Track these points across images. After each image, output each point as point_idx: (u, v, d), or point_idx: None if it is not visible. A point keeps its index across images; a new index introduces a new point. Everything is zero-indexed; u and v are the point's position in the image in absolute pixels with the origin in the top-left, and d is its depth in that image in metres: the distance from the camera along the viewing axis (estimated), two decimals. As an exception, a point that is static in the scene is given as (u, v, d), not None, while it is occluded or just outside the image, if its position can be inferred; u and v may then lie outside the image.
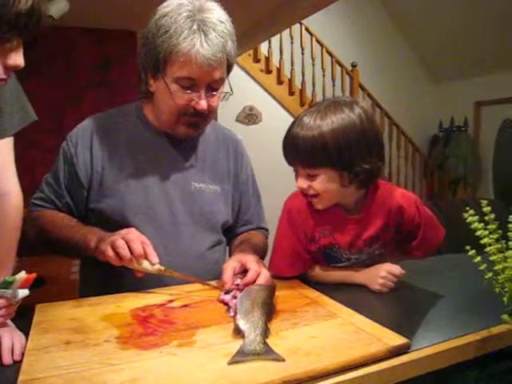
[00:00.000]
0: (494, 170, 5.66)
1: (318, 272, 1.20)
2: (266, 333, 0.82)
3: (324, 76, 5.01)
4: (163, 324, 0.89)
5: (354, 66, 5.14)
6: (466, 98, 5.76)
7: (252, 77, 4.89)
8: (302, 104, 5.10)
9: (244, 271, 1.10)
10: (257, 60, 4.86)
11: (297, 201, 1.17)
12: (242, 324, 0.84)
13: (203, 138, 1.33)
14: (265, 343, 0.79)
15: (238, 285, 1.06)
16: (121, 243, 1.02)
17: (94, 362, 0.73)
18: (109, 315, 0.94)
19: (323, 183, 1.06)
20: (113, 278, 1.19)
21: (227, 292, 1.04)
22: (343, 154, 1.02)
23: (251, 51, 4.72)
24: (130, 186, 1.21)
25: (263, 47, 4.82)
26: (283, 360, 0.74)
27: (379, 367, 0.77)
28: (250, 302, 0.92)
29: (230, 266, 1.09)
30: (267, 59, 4.89)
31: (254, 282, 1.05)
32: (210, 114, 1.22)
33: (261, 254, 1.29)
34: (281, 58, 4.89)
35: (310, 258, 1.20)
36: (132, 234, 1.05)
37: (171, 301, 1.03)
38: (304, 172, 1.07)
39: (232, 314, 0.94)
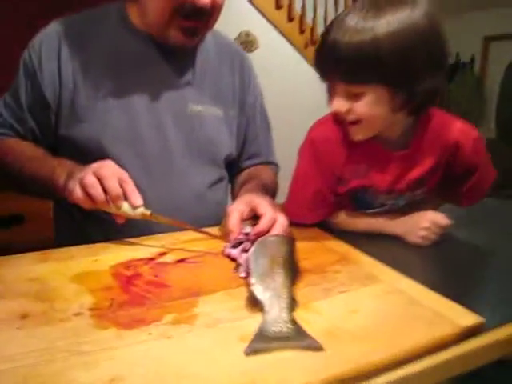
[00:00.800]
0: (497, 110, 5.41)
1: (343, 219, 0.99)
2: (292, 305, 0.61)
3: (326, 1, 4.55)
4: (153, 288, 0.68)
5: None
6: (475, 32, 5.36)
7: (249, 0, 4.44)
8: (301, 31, 4.64)
9: (254, 217, 0.88)
10: (253, -20, 4.40)
11: (324, 129, 0.93)
12: (260, 292, 0.63)
13: (203, 48, 1.06)
14: (293, 322, 0.58)
15: (247, 234, 0.84)
16: (91, 180, 0.78)
17: (58, 350, 0.52)
18: (82, 274, 0.72)
19: (369, 105, 0.81)
20: (90, 224, 0.96)
21: (234, 244, 0.82)
22: (401, 66, 0.76)
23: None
24: (109, 107, 0.95)
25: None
26: (321, 348, 0.53)
27: (447, 355, 0.57)
28: (268, 259, 0.70)
29: (237, 210, 0.86)
30: (265, -21, 4.42)
31: (269, 231, 0.83)
32: (212, 14, 0.94)
33: (271, 194, 1.06)
34: (280, -22, 4.42)
35: (335, 202, 0.97)
36: (107, 167, 0.81)
37: (162, 254, 0.81)
38: (344, 90, 0.82)
39: (243, 274, 0.72)
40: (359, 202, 0.97)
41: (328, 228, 0.98)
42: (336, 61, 0.79)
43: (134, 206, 0.81)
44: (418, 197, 0.96)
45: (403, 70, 0.77)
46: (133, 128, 0.96)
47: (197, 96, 1.03)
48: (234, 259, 0.79)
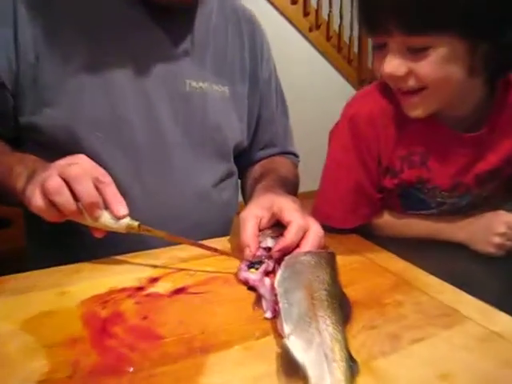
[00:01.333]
0: None
1: (388, 221, 0.77)
2: (352, 373, 0.39)
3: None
4: (139, 340, 0.46)
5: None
6: None
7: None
8: (305, 14, 4.35)
9: (277, 224, 0.66)
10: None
11: (367, 104, 0.71)
12: (299, 350, 0.41)
13: (204, 11, 0.83)
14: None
15: (269, 249, 0.62)
16: (56, 184, 0.56)
17: None
18: (40, 317, 0.51)
19: (438, 65, 0.59)
20: (65, 236, 0.74)
21: (251, 264, 0.61)
22: (485, 6, 0.54)
23: None
24: (82, 86, 0.73)
25: None
26: None
27: None
28: (305, 292, 0.49)
29: (253, 216, 0.65)
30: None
31: (298, 246, 0.61)
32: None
33: (293, 193, 0.85)
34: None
35: (380, 200, 0.76)
36: (77, 165, 0.58)
37: (155, 280, 0.60)
38: (402, 45, 0.59)
39: (268, 314, 0.51)
40: (410, 200, 0.75)
41: (361, 232, 0.76)
42: (392, 3, 0.56)
43: (116, 216, 0.60)
44: (486, 193, 0.74)
45: (488, 12, 0.54)
46: (114, 112, 0.74)
47: (197, 70, 0.80)
48: (252, 287, 0.57)
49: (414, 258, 0.66)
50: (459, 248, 0.72)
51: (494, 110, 0.67)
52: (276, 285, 0.51)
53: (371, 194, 0.74)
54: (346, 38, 3.87)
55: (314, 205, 0.77)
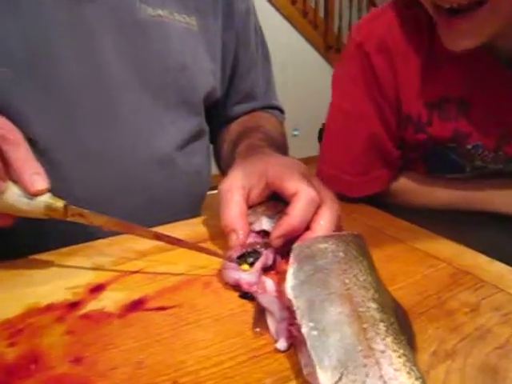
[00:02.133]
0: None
1: (408, 185, 0.59)
2: None
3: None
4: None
5: None
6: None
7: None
8: (293, 2, 3.99)
9: (271, 199, 0.47)
10: None
11: (378, 28, 0.52)
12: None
13: None
14: None
15: (263, 234, 0.43)
16: None
17: None
18: None
19: None
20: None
21: (242, 257, 0.41)
22: None
23: None
24: None
25: None
26: None
27: None
28: (345, 308, 0.29)
29: (238, 187, 0.45)
30: None
31: (308, 228, 0.42)
32: None
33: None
34: None
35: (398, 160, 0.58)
36: None
37: (98, 288, 0.40)
38: None
39: (282, 344, 0.32)
40: (437, 162, 0.58)
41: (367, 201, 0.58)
42: None
43: (29, 191, 0.39)
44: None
45: None
46: (31, 41, 0.52)
47: None
48: (247, 294, 0.38)
49: (450, 235, 0.49)
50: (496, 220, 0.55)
51: None
52: (290, 294, 0.32)
53: (389, 151, 0.56)
54: (311, 1, 3.65)
55: (317, 168, 0.58)
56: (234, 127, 0.71)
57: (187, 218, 0.57)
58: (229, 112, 0.73)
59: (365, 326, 0.28)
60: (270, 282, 0.38)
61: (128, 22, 0.56)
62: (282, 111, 0.79)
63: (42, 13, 0.52)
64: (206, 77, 0.64)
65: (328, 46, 3.77)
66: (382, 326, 0.28)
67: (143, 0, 0.57)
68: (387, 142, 0.56)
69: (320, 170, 0.59)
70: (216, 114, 0.71)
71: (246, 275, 0.38)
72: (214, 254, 0.43)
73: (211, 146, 0.75)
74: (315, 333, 0.28)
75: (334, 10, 3.78)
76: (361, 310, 0.29)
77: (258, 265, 0.40)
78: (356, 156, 0.57)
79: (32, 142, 0.51)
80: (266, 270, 0.41)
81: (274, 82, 0.79)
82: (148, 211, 0.59)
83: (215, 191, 0.48)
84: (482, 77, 0.51)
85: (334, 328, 0.28)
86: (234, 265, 0.40)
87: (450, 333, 0.33)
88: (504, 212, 0.55)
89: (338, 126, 0.58)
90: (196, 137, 0.65)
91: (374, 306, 0.30)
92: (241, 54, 0.70)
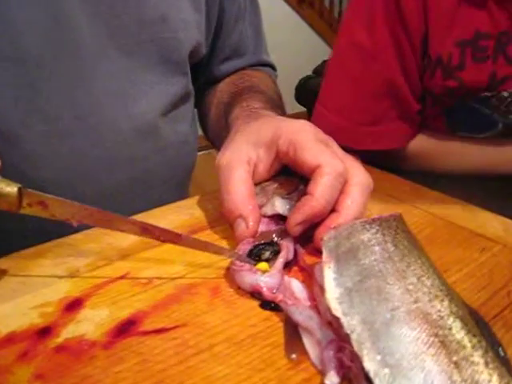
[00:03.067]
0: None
1: (435, 147, 0.52)
2: None
3: None
4: None
5: None
6: None
7: None
8: None
9: (283, 173, 0.38)
10: None
11: None
12: None
13: None
14: None
15: (277, 219, 0.35)
16: None
17: None
18: None
19: None
20: None
21: (253, 252, 0.33)
22: None
23: None
24: None
25: None
26: None
27: None
28: (421, 329, 0.21)
29: (242, 160, 0.37)
30: None
31: (334, 209, 0.34)
32: None
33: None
34: None
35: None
36: None
37: (74, 304, 0.30)
38: None
39: (332, 380, 0.23)
40: (463, 117, 0.50)
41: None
42: None
43: None
44: None
45: None
46: None
47: None
48: (269, 302, 0.29)
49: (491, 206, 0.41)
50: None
51: None
52: (337, 310, 0.24)
53: (408, 101, 0.48)
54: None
55: (314, 114, 0.49)
56: (223, 87, 0.61)
57: (175, 196, 0.48)
58: (215, 71, 0.63)
59: (455, 358, 0.20)
60: (297, 285, 0.30)
61: None
62: (274, 68, 0.69)
63: None
64: (190, 30, 0.53)
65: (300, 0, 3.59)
66: (476, 357, 0.20)
67: None
68: (406, 90, 0.48)
69: (319, 115, 0.50)
70: (200, 73, 0.61)
71: (265, 278, 0.30)
72: (225, 252, 0.34)
73: (195, 111, 0.65)
74: (387, 371, 0.20)
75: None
76: (442, 333, 0.21)
77: (280, 263, 0.31)
78: (369, 101, 0.48)
79: None
80: (286, 265, 0.32)
81: (264, 36, 0.68)
82: (131, 190, 0.51)
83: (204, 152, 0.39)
84: None
85: (413, 363, 0.20)
86: (247, 265, 0.31)
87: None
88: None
89: (346, 63, 0.50)
90: (181, 101, 0.55)
91: (457, 325, 0.22)
92: (227, 4, 0.59)
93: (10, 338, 0.27)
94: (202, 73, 0.62)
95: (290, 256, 0.33)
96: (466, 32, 0.45)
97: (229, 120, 0.50)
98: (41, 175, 0.45)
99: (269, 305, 0.29)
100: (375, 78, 0.50)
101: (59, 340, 0.27)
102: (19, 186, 0.30)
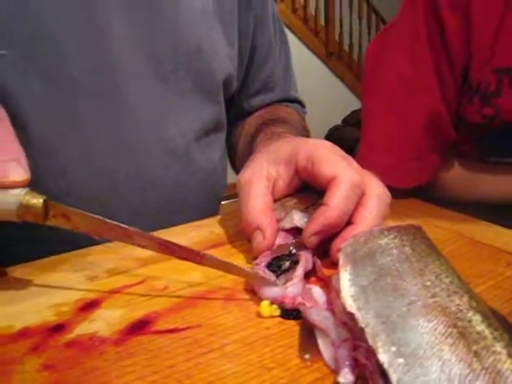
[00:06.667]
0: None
1: (466, 176, 0.51)
2: None
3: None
4: None
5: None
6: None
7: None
8: (294, 10, 3.94)
9: (303, 190, 0.39)
10: None
11: None
12: None
13: None
14: None
15: (295, 231, 0.35)
16: None
17: None
18: None
19: None
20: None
21: (272, 264, 0.33)
22: None
23: None
24: None
25: None
26: None
27: None
28: (439, 321, 0.20)
29: (261, 176, 0.37)
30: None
31: (351, 221, 0.33)
32: None
33: None
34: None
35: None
36: None
37: (90, 305, 0.30)
38: None
39: (346, 377, 0.22)
40: (496, 144, 0.49)
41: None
42: None
43: (3, 182, 0.30)
44: None
45: None
46: (30, 21, 0.44)
47: None
48: (290, 313, 0.29)
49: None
50: None
51: None
52: (351, 306, 0.23)
53: (447, 132, 0.47)
54: (311, 9, 3.59)
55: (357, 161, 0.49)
56: (251, 121, 0.62)
57: (203, 217, 0.48)
58: (245, 104, 0.65)
59: (475, 348, 0.19)
60: (317, 290, 0.29)
61: (137, 1, 0.48)
62: (302, 105, 0.70)
63: None
64: (223, 61, 0.55)
65: (329, 52, 3.71)
66: (499, 347, 0.19)
67: None
68: (447, 120, 0.48)
69: (363, 159, 0.50)
70: (231, 107, 0.63)
71: (289, 288, 0.29)
72: (246, 274, 0.33)
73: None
74: (401, 361, 0.19)
75: (334, 17, 3.73)
76: (461, 324, 0.20)
77: (300, 271, 0.31)
78: (417, 136, 0.48)
79: (24, 129, 0.43)
80: (305, 276, 0.32)
81: (293, 73, 0.70)
82: (161, 210, 0.52)
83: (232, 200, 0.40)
84: None
85: (430, 353, 0.19)
86: (269, 279, 0.31)
87: None
88: None
89: (392, 99, 0.49)
90: (214, 129, 0.57)
91: (478, 318, 0.21)
92: (258, 41, 0.62)
93: (24, 333, 0.28)
94: (233, 106, 0.64)
95: (309, 266, 0.32)
96: (505, 59, 0.45)
97: (253, 146, 0.51)
98: (75, 191, 0.47)
99: (291, 314, 0.28)
100: (423, 110, 0.49)
101: (71, 336, 0.27)
102: (44, 198, 0.31)
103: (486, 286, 0.31)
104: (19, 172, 0.30)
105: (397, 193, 0.48)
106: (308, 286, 0.30)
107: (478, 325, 0.20)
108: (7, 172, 0.30)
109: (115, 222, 0.32)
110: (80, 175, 0.47)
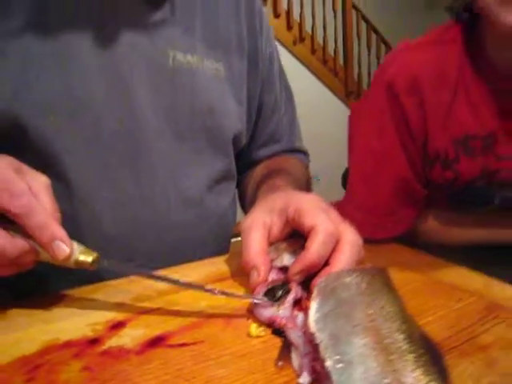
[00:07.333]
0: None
1: (439, 226, 0.58)
2: None
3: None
4: None
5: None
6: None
7: None
8: (289, 27, 4.19)
9: (294, 236, 0.46)
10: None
11: (412, 64, 0.52)
12: None
13: None
14: None
15: (285, 270, 0.43)
16: None
17: None
18: None
19: None
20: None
21: (272, 292, 0.41)
22: None
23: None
24: (29, 55, 0.53)
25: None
26: None
27: None
28: (370, 340, 0.28)
29: (259, 224, 0.46)
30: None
31: (327, 263, 0.41)
32: None
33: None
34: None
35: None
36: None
37: (118, 325, 0.39)
38: None
39: (304, 380, 0.30)
40: (463, 195, 0.56)
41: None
42: None
43: (55, 260, 0.40)
44: None
45: None
46: (71, 92, 0.54)
47: (182, 40, 0.60)
48: (280, 331, 0.37)
49: (479, 267, 0.47)
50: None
51: None
52: (313, 327, 0.31)
53: (417, 191, 0.55)
54: (330, 50, 3.75)
55: (339, 209, 0.57)
56: (258, 171, 0.71)
57: (214, 255, 0.57)
58: (253, 155, 0.74)
59: (391, 357, 0.27)
60: (301, 316, 0.37)
61: (159, 70, 0.58)
62: (306, 154, 0.79)
63: (78, 59, 0.54)
64: (233, 120, 0.65)
65: (348, 92, 3.83)
66: (410, 357, 0.27)
67: (174, 46, 0.59)
68: (415, 183, 0.56)
69: (342, 210, 0.58)
70: (241, 158, 0.72)
71: (281, 311, 0.37)
72: (241, 297, 0.42)
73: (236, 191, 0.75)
74: (340, 365, 0.27)
75: (353, 57, 3.86)
76: (387, 341, 0.28)
77: (291, 299, 0.39)
78: (385, 198, 0.56)
79: (65, 182, 0.52)
80: (295, 303, 0.40)
81: (298, 125, 0.80)
82: (176, 250, 0.60)
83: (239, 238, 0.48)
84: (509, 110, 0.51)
85: (359, 360, 0.27)
86: (266, 302, 0.39)
87: (485, 368, 0.30)
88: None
89: (365, 167, 0.58)
90: (224, 178, 0.66)
91: (400, 337, 0.28)
92: (265, 98, 0.71)
93: (68, 344, 0.36)
94: (243, 157, 0.73)
95: (299, 295, 0.40)
96: (457, 133, 0.53)
97: (257, 195, 0.60)
98: (105, 234, 0.55)
99: (280, 332, 0.36)
100: (389, 177, 0.57)
101: (104, 347, 0.35)
102: (94, 257, 0.40)
103: (435, 317, 0.38)
104: (63, 250, 0.39)
105: (382, 239, 0.56)
106: (296, 312, 0.37)
107: (400, 342, 0.28)
108: (55, 252, 0.39)
109: (138, 270, 0.41)
110: (110, 220, 0.55)
